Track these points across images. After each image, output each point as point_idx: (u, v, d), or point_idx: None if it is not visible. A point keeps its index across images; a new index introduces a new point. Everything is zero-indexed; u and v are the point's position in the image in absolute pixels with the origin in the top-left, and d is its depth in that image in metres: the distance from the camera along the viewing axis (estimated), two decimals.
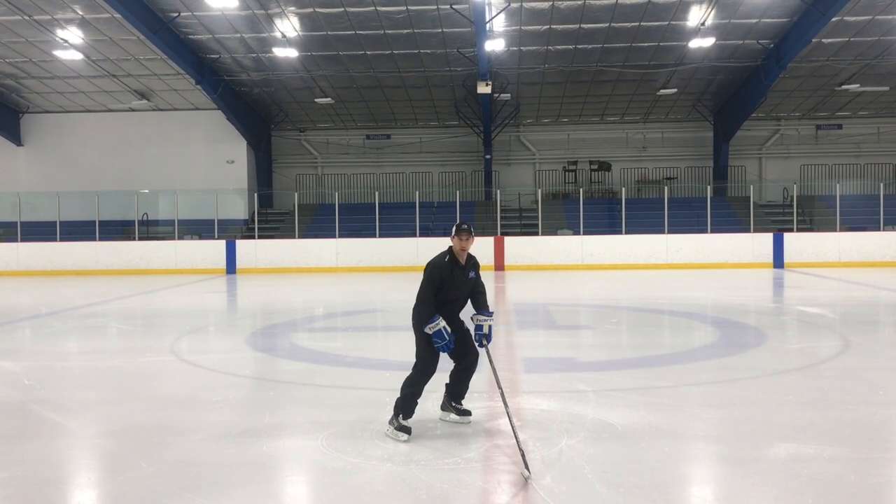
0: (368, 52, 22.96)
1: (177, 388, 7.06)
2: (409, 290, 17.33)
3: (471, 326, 5.33)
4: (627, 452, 4.78)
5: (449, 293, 5.26)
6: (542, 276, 20.13)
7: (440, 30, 21.24)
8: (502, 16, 19.93)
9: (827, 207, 25.66)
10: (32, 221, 25.75)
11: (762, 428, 5.33)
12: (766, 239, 23.14)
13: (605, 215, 26.18)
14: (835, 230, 23.88)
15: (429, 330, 5.08)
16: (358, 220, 25.52)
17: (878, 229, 23.83)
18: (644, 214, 25.25)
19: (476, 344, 5.25)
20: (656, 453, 4.77)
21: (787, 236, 23.20)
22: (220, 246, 24.10)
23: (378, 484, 4.29)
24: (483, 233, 24.80)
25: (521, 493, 4.15)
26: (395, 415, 5.24)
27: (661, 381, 7.01)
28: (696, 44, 21.94)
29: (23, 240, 24.94)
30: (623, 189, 25.37)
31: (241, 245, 24.16)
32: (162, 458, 4.80)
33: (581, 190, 26.02)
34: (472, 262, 5.37)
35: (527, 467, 4.36)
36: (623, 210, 24.42)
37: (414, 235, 24.30)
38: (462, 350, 5.34)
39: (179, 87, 25.99)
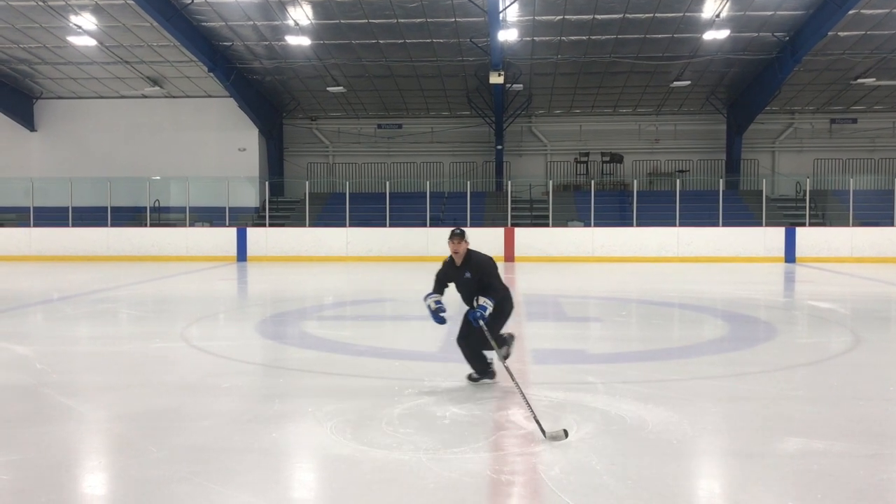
0: (381, 41, 22.90)
1: (187, 374, 7.10)
2: (418, 280, 17.35)
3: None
4: (636, 445, 4.78)
5: (456, 288, 6.16)
6: (552, 268, 20.09)
7: (453, 19, 21.17)
8: (516, 6, 19.83)
9: (840, 202, 25.45)
10: (45, 207, 25.87)
11: (771, 422, 5.32)
12: (778, 233, 22.99)
13: (616, 207, 26.08)
14: (848, 225, 23.70)
15: (426, 306, 6.08)
16: (368, 209, 25.52)
17: (892, 225, 23.62)
18: (655, 207, 25.13)
19: (472, 320, 5.86)
20: (665, 446, 4.76)
21: (800, 231, 23.05)
22: (230, 233, 24.17)
23: (386, 472, 4.30)
24: (493, 224, 24.79)
25: (530, 483, 4.16)
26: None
27: (671, 374, 7.00)
28: (710, 36, 21.76)
29: (35, 225, 25.08)
30: (635, 181, 25.24)
31: (252, 233, 24.22)
32: (171, 443, 4.83)
33: (592, 182, 25.90)
34: (471, 265, 6.00)
35: (542, 430, 4.81)
36: (634, 202, 24.32)
37: (424, 225, 24.29)
38: (464, 332, 6.17)
39: (192, 74, 26.02)
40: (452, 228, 6.07)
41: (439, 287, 6.15)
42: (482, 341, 5.89)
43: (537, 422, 4.89)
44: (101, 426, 5.40)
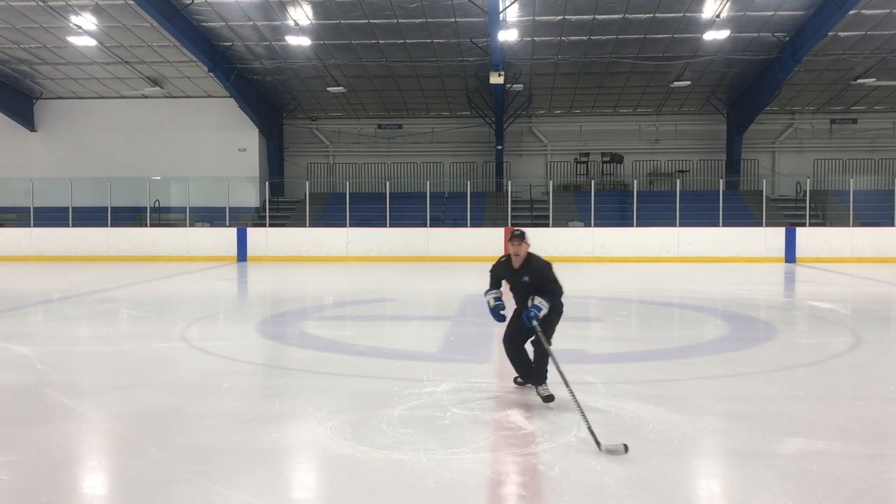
0: (381, 42, 22.91)
1: (187, 374, 7.10)
2: (418, 280, 17.40)
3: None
4: (636, 445, 4.77)
5: (511, 288, 5.95)
6: (551, 269, 19.94)
7: (453, 19, 21.17)
8: (516, 6, 19.83)
9: (840, 202, 25.45)
10: (45, 207, 25.88)
11: (772, 422, 5.31)
12: (779, 233, 22.99)
13: (616, 207, 26.08)
14: (848, 225, 23.70)
15: (486, 303, 6.00)
16: (368, 209, 25.52)
17: (892, 225, 23.61)
18: (656, 207, 25.14)
19: (525, 319, 5.65)
20: (665, 446, 4.76)
21: (800, 231, 23.04)
22: (231, 234, 24.17)
23: (386, 472, 4.30)
24: (494, 224, 24.79)
25: (530, 484, 4.15)
26: None
27: (671, 374, 6.99)
28: (710, 36, 21.76)
29: (35, 225, 25.08)
30: (635, 181, 25.23)
31: (252, 233, 24.22)
32: (172, 443, 4.83)
33: (593, 182, 25.89)
34: (531, 270, 5.78)
35: (597, 442, 4.58)
36: (635, 202, 24.32)
37: (424, 226, 24.29)
38: (512, 332, 5.96)
39: (192, 74, 26.02)
40: (513, 229, 5.85)
41: (496, 283, 6.02)
42: (534, 341, 5.75)
43: (591, 433, 4.69)
44: (102, 426, 5.40)
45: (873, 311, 12.19)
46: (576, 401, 5.06)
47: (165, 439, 4.92)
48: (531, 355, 5.91)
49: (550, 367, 5.67)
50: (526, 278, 5.78)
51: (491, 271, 6.05)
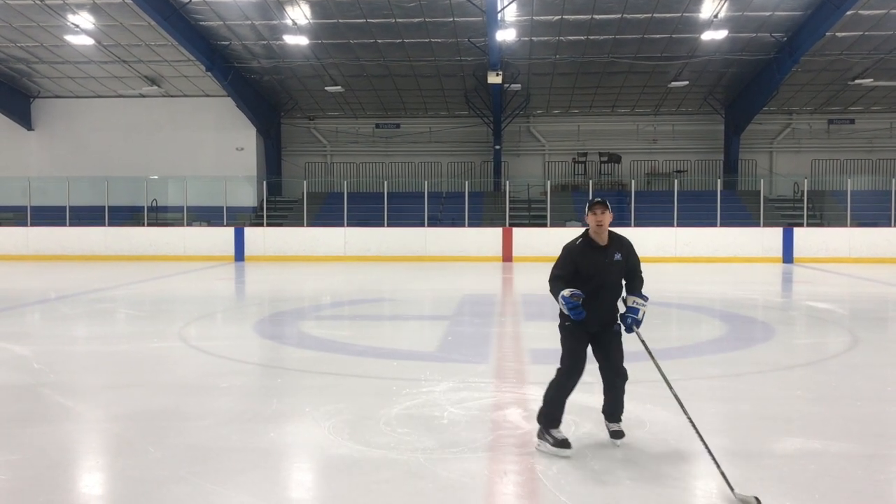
0: (379, 41, 22.89)
1: (185, 373, 7.10)
2: (416, 280, 17.40)
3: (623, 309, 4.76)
4: (633, 445, 4.78)
5: (589, 279, 4.63)
6: (550, 268, 19.95)
7: (451, 19, 21.16)
8: (514, 5, 19.82)
9: (838, 202, 25.48)
10: (42, 206, 25.81)
11: (769, 423, 5.32)
12: (776, 233, 23.01)
13: (614, 208, 25.70)
14: (845, 226, 23.74)
15: (560, 298, 4.52)
16: (366, 209, 25.49)
17: (890, 225, 23.64)
18: (653, 207, 25.15)
19: (624, 327, 4.70)
20: (662, 446, 4.76)
21: (797, 231, 23.06)
22: (228, 233, 24.14)
23: (384, 472, 4.30)
24: (492, 224, 24.79)
25: (527, 483, 4.16)
26: (544, 428, 4.63)
27: (668, 374, 6.95)
28: (708, 36, 21.77)
29: (33, 224, 25.03)
30: (633, 181, 25.24)
31: (250, 232, 24.19)
32: (169, 443, 4.83)
33: (591, 182, 25.92)
34: (619, 244, 4.71)
35: (729, 485, 4.00)
36: (632, 203, 24.32)
37: (422, 225, 24.28)
38: (604, 358, 4.82)
39: (190, 73, 25.98)
40: (593, 197, 4.58)
41: (565, 283, 4.64)
42: (605, 368, 4.77)
43: (723, 475, 4.08)
44: (99, 426, 5.39)
45: (871, 312, 12.21)
46: (697, 432, 4.42)
47: (163, 439, 4.91)
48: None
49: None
50: (618, 256, 4.65)
51: (558, 273, 4.75)
